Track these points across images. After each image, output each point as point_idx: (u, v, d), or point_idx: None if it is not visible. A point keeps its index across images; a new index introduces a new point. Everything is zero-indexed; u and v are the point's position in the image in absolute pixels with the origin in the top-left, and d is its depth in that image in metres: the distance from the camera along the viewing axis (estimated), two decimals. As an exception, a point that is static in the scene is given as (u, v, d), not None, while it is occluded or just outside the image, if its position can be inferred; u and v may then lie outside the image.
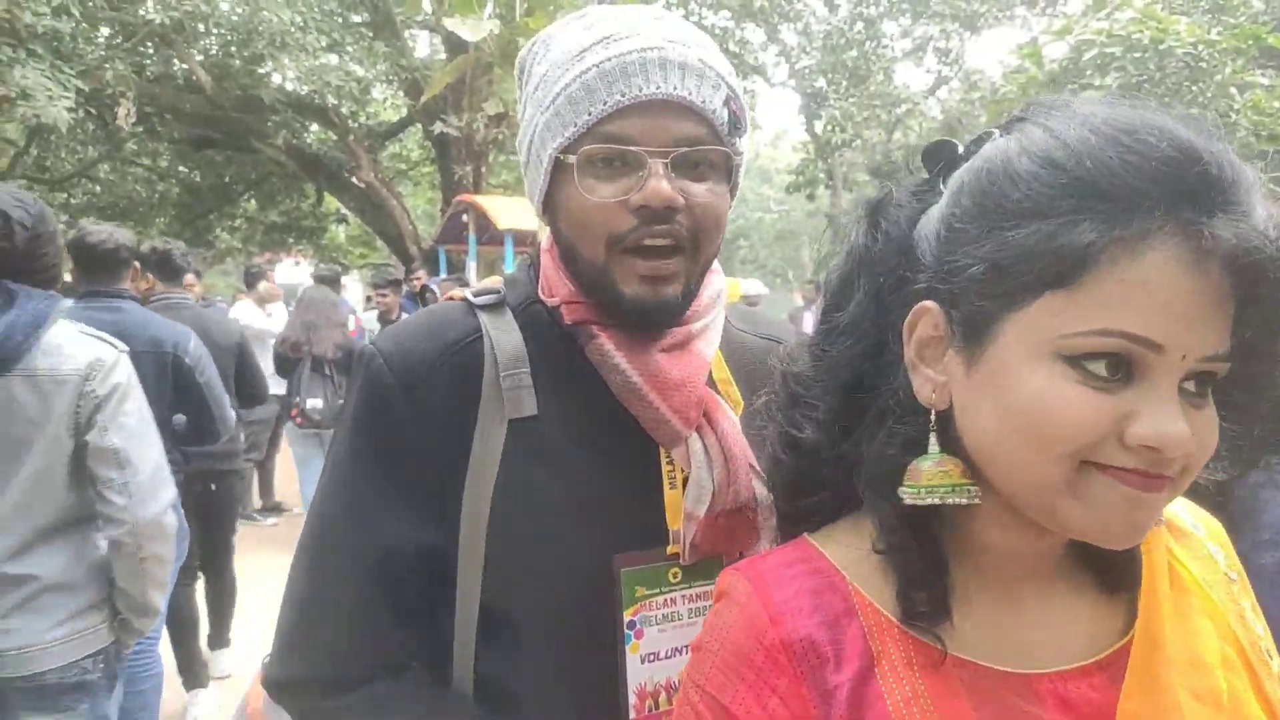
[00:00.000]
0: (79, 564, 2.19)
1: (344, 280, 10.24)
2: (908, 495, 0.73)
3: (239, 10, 12.10)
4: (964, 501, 0.72)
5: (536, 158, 1.04)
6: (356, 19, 14.64)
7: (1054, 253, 0.63)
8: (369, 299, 11.29)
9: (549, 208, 1.07)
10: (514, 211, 11.17)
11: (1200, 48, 8.45)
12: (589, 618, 1.04)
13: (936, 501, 0.72)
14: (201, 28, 12.68)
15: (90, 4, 10.82)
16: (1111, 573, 0.80)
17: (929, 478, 0.72)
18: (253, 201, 20.78)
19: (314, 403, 5.88)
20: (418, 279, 9.33)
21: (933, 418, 0.74)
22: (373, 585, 1.03)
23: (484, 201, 12.01)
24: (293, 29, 12.02)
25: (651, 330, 1.06)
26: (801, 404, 0.85)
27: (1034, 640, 0.77)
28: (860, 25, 18.53)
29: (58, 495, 2.13)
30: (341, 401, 8.23)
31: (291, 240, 22.36)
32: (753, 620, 0.75)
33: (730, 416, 1.09)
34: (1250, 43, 8.81)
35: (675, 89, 0.96)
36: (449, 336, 1.06)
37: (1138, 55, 8.71)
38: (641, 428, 1.05)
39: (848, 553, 0.79)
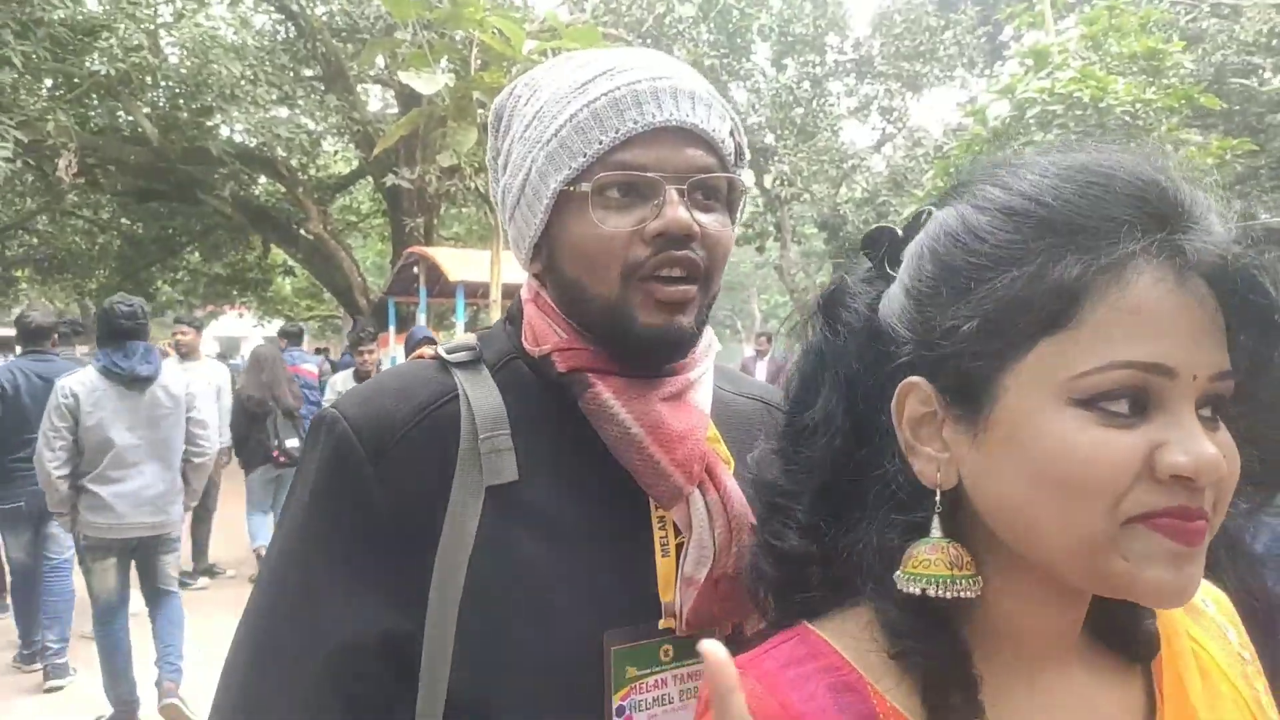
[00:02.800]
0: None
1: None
2: (900, 582, 0.67)
3: (188, 63, 11.99)
4: (958, 595, 0.66)
5: (534, 194, 0.97)
6: (308, 72, 14.61)
7: (1044, 293, 0.61)
8: (318, 350, 11.05)
9: (545, 247, 1.00)
10: (465, 264, 11.11)
11: (1137, 106, 8.77)
12: (574, 705, 0.93)
13: (927, 590, 0.66)
14: (149, 80, 12.52)
15: (33, 57, 10.62)
16: (1126, 648, 0.75)
17: (917, 564, 0.67)
18: (196, 253, 20.44)
19: (292, 442, 6.82)
20: (369, 353, 7.16)
21: (938, 499, 0.69)
22: (325, 689, 0.91)
23: (435, 253, 11.93)
24: (243, 82, 11.93)
25: (660, 366, 1.00)
26: (779, 512, 0.79)
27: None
28: (807, 84, 18.98)
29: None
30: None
31: (235, 293, 22.02)
32: None
33: (731, 476, 1.01)
34: (1183, 102, 9.18)
35: (687, 117, 0.93)
36: (421, 397, 0.97)
37: (1079, 113, 9.00)
38: (631, 490, 0.97)
39: (858, 645, 0.71)
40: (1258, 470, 0.68)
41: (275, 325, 23.66)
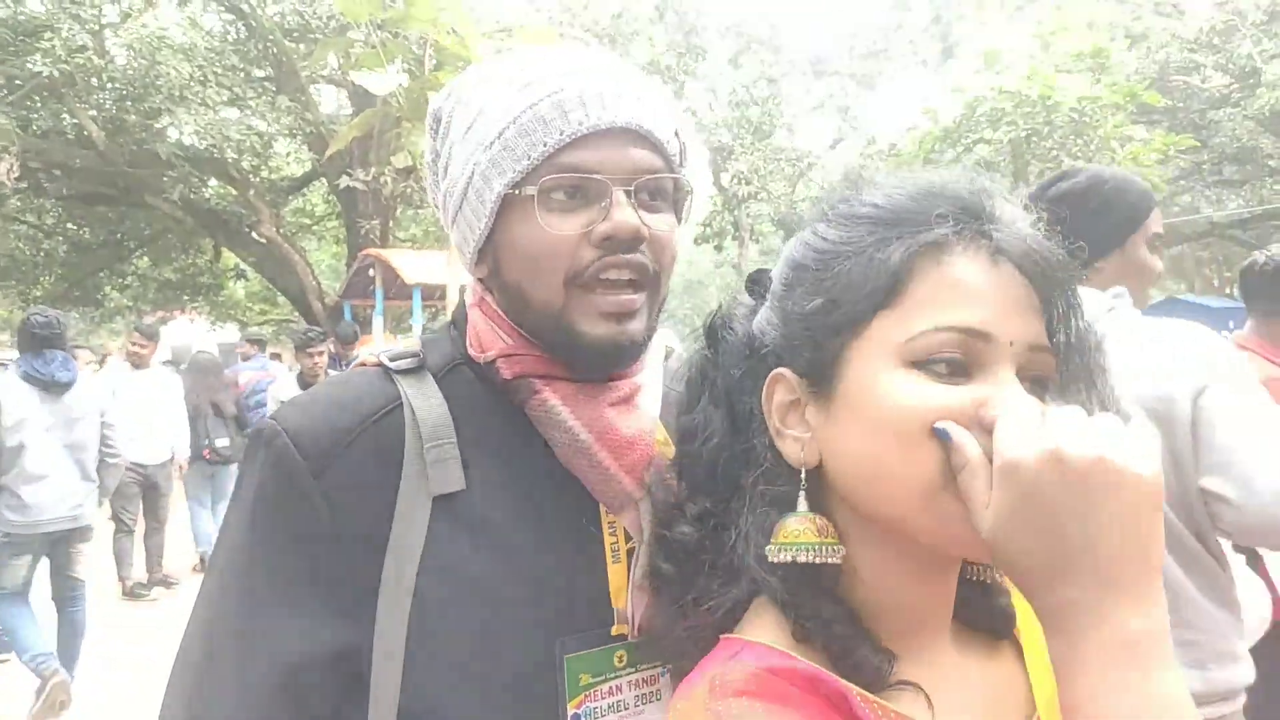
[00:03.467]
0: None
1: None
2: (770, 552, 0.73)
3: (135, 64, 11.76)
4: (825, 561, 0.72)
5: (478, 198, 0.95)
6: (259, 73, 14.40)
7: (874, 274, 0.72)
8: (273, 355, 10.88)
9: (490, 252, 0.98)
10: (422, 266, 11.04)
11: (1084, 103, 8.96)
12: (529, 714, 0.91)
13: (797, 558, 0.72)
14: (95, 81, 12.26)
15: (-29, 56, 10.37)
16: (988, 625, 0.82)
17: (788, 535, 0.73)
18: (145, 258, 20.03)
19: (222, 441, 7.45)
20: (317, 354, 6.88)
21: (803, 475, 0.76)
22: (273, 707, 0.89)
23: (391, 256, 11.85)
24: (192, 83, 11.74)
25: (609, 373, 0.98)
26: (673, 509, 0.86)
27: (987, 701, 0.76)
28: (763, 83, 19.12)
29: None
30: (242, 440, 8.14)
31: (186, 298, 21.63)
32: None
33: None
34: (1128, 99, 9.40)
35: (632, 118, 0.92)
36: (364, 407, 0.94)
37: (1027, 110, 9.18)
38: (580, 496, 0.96)
39: (785, 637, 0.74)
40: None
41: (229, 330, 23.32)
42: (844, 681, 0.70)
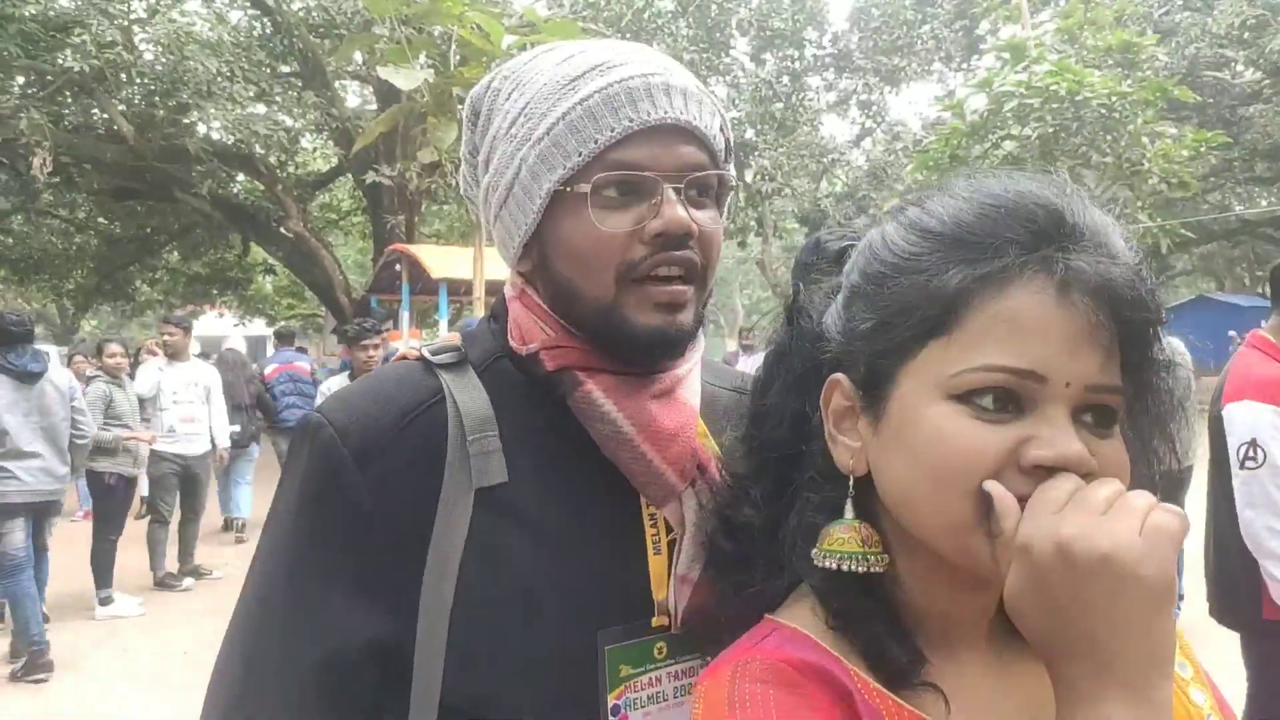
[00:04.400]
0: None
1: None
2: (816, 558, 0.74)
3: (164, 59, 11.89)
4: (868, 570, 0.73)
5: (525, 193, 0.95)
6: (286, 69, 14.52)
7: (928, 300, 0.69)
8: (299, 349, 11.01)
9: (535, 247, 0.98)
10: (448, 261, 11.09)
11: (1113, 99, 8.86)
12: (569, 706, 0.91)
13: (841, 566, 0.73)
14: (124, 77, 12.41)
15: (4, 53, 10.49)
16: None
17: (833, 542, 0.74)
18: (175, 253, 20.26)
19: (233, 428, 7.95)
20: (373, 347, 6.44)
21: (850, 484, 0.76)
22: (316, 696, 0.90)
23: (417, 251, 11.90)
24: (219, 78, 11.85)
25: (658, 364, 0.98)
26: (739, 491, 0.86)
27: (1019, 715, 0.74)
28: (786, 79, 19.03)
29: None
30: (254, 427, 8.78)
31: (215, 292, 21.86)
32: None
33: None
34: (1158, 95, 9.27)
35: (682, 114, 0.92)
36: (407, 400, 0.95)
37: (1055, 106, 9.08)
38: (621, 488, 0.96)
39: (818, 625, 0.76)
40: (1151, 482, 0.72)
41: (257, 325, 23.55)
42: (860, 676, 0.71)
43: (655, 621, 0.95)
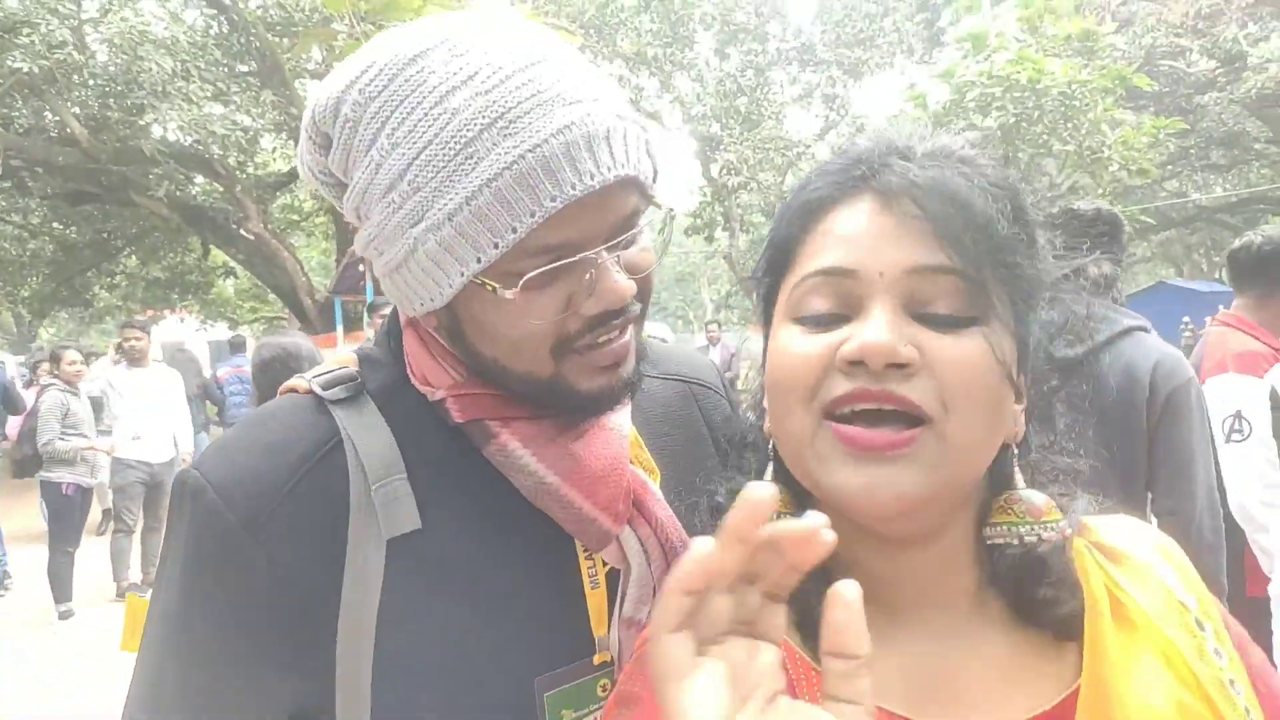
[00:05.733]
0: None
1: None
2: None
3: (117, 60, 11.64)
4: None
5: (425, 274, 0.81)
6: (243, 68, 14.27)
7: (774, 245, 0.78)
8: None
9: (445, 316, 0.87)
10: (413, 260, 10.98)
11: (1074, 87, 8.94)
12: None
13: None
14: (76, 78, 12.13)
15: (-50, 54, 10.22)
16: (1056, 618, 0.72)
17: None
18: (134, 257, 19.89)
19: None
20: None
21: (771, 445, 0.77)
22: None
23: (382, 250, 11.77)
24: (175, 78, 11.62)
25: (602, 414, 0.90)
26: (737, 465, 0.86)
27: (963, 690, 0.70)
28: (750, 73, 19.06)
29: None
30: (202, 417, 9.32)
31: (176, 296, 21.48)
32: None
33: (661, 500, 0.94)
34: (1116, 82, 9.38)
35: (609, 170, 0.78)
36: (299, 449, 0.85)
37: (1017, 94, 9.15)
38: (548, 526, 0.89)
39: None
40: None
41: (219, 329, 23.18)
42: (787, 644, 0.70)
43: (598, 659, 0.89)
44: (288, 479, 0.83)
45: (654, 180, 0.88)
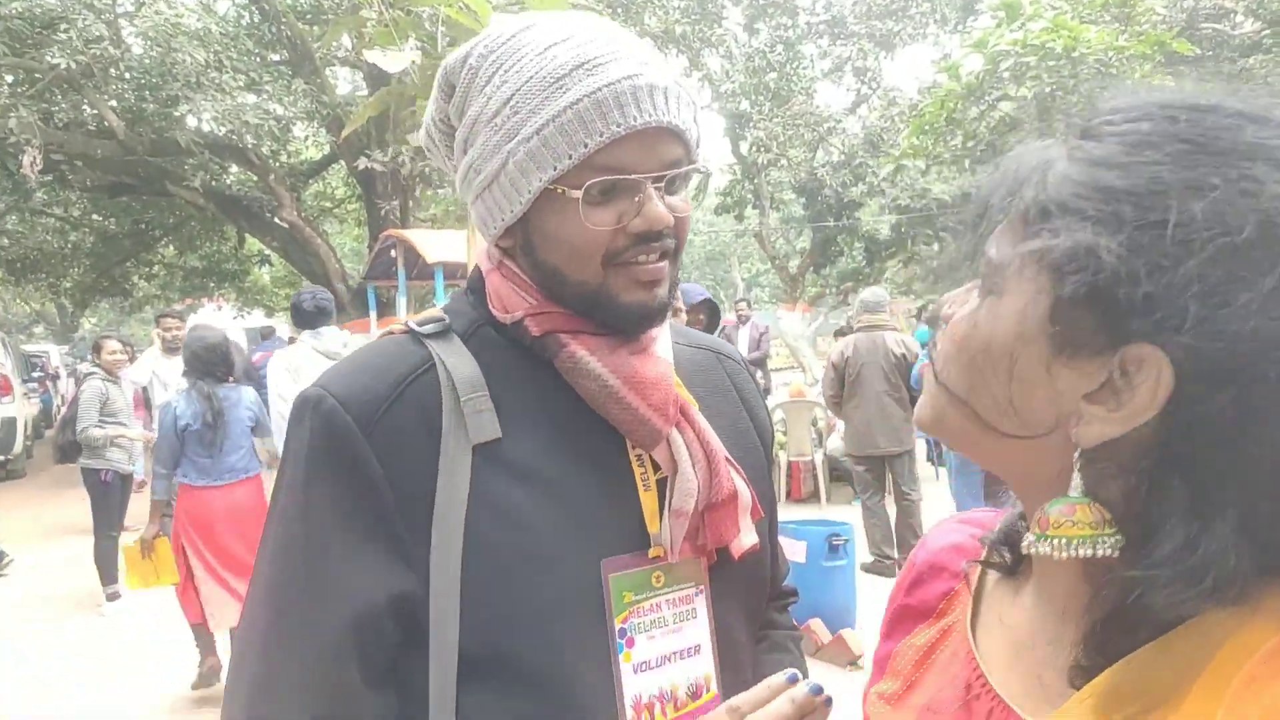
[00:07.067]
0: None
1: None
2: None
3: (151, 53, 11.78)
4: None
5: (511, 186, 1.01)
6: (275, 57, 14.39)
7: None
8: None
9: (519, 230, 1.05)
10: (443, 245, 11.02)
11: (1110, 54, 8.75)
12: (580, 632, 0.99)
13: None
14: (112, 71, 12.31)
15: (-10, 52, 10.39)
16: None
17: None
18: (171, 247, 20.21)
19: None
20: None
21: None
22: (343, 654, 0.95)
23: (412, 236, 11.83)
24: (208, 69, 11.74)
25: (639, 333, 1.07)
26: None
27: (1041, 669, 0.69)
28: (780, 48, 18.87)
29: None
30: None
31: (213, 285, 21.82)
32: None
33: (700, 416, 1.10)
34: (1155, 48, 9.16)
35: (664, 115, 0.98)
36: (400, 369, 1.02)
37: (1051, 64, 8.97)
38: (605, 435, 1.05)
39: None
40: None
41: (255, 316, 23.51)
42: None
43: (652, 552, 1.04)
44: (391, 392, 1.00)
45: (697, 145, 1.05)
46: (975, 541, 0.84)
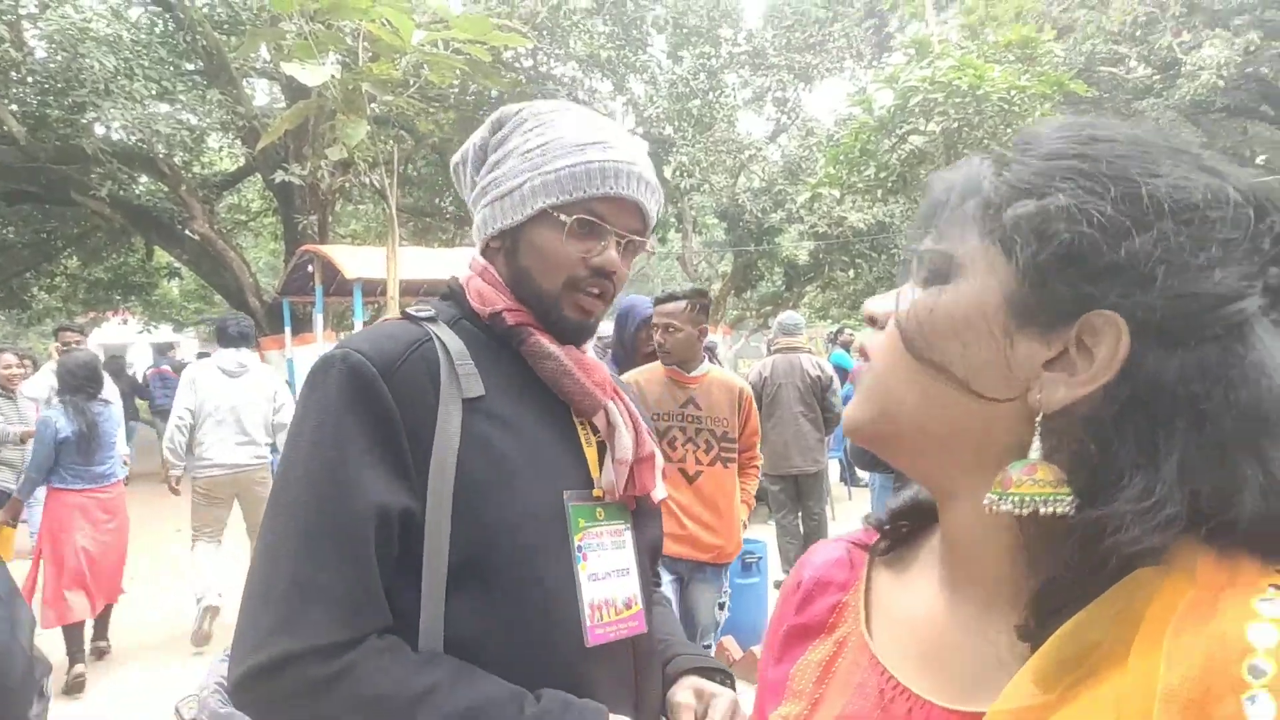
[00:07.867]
0: None
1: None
2: None
3: (57, 56, 11.38)
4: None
5: (520, 201, 1.36)
6: (189, 66, 14.03)
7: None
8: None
9: (510, 237, 1.39)
10: (363, 261, 10.86)
11: (1013, 93, 9.16)
12: (548, 545, 1.27)
13: None
14: (13, 75, 11.85)
15: (-119, 49, 9.91)
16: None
17: None
18: (74, 258, 19.42)
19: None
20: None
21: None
22: (369, 546, 1.15)
23: (331, 251, 11.63)
24: (118, 76, 11.40)
25: (573, 343, 1.42)
26: None
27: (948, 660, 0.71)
28: (703, 76, 19.15)
29: None
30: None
31: (118, 297, 21.03)
32: None
33: (629, 398, 1.49)
34: (1055, 89, 9.62)
35: (637, 194, 1.37)
36: (408, 338, 1.29)
37: (958, 100, 9.35)
38: (558, 406, 1.38)
39: None
40: None
41: (163, 331, 22.73)
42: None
43: (595, 493, 1.36)
44: (404, 351, 1.26)
45: (652, 228, 1.43)
46: (858, 552, 0.87)
